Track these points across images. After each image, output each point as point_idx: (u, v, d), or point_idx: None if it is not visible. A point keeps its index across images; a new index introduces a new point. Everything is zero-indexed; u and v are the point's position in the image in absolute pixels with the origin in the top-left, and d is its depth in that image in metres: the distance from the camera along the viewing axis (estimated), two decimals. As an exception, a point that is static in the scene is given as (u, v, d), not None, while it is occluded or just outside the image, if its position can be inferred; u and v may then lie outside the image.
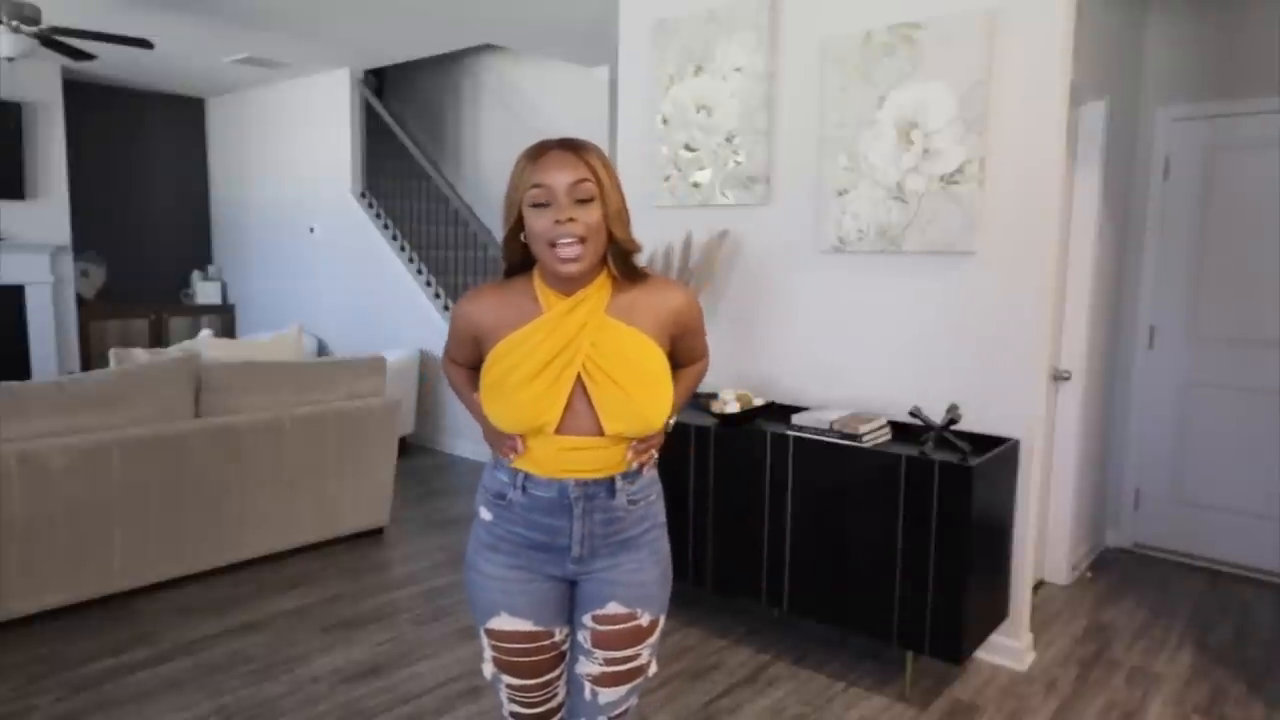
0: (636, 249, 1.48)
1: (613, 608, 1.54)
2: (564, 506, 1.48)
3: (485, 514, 1.56)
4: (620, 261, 1.46)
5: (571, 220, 1.36)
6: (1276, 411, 3.67)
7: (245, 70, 6.58)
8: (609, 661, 1.57)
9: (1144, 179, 3.92)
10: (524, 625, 1.54)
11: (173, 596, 3.34)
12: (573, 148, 1.40)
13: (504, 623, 1.55)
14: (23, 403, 3.04)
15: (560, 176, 1.37)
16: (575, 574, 1.54)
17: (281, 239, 7.24)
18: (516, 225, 1.42)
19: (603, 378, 1.43)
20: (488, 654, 1.61)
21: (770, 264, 3.33)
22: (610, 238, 1.43)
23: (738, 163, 3.34)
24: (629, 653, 1.57)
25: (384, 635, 3.07)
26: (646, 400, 1.45)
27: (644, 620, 1.57)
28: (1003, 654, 2.90)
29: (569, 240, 1.37)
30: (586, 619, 1.56)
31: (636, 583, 1.55)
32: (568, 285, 1.44)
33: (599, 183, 1.39)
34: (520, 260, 1.49)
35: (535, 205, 1.38)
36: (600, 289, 1.46)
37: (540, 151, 1.40)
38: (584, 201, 1.38)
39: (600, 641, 1.56)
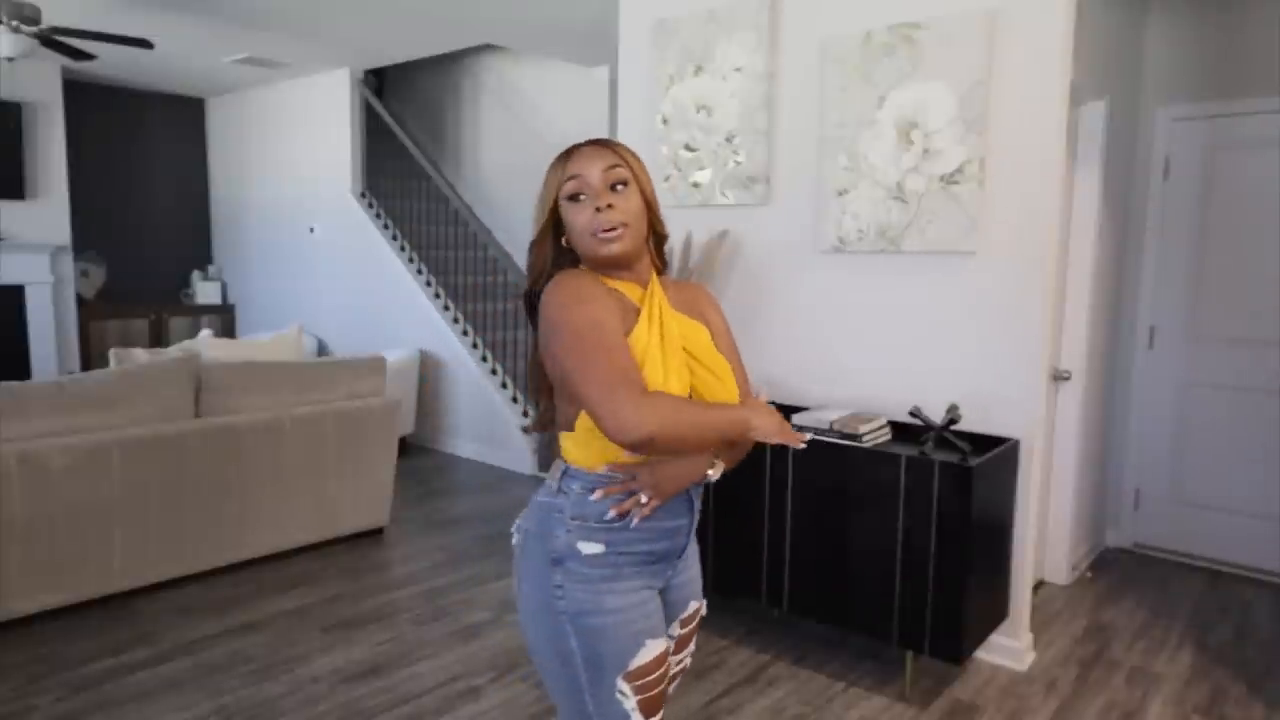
0: (667, 236, 1.48)
1: (692, 606, 1.52)
2: (687, 501, 1.42)
3: (590, 548, 1.35)
4: (659, 252, 1.46)
5: (610, 207, 1.33)
6: (1276, 411, 3.67)
7: (245, 70, 6.58)
8: (677, 664, 1.52)
9: (1144, 179, 3.92)
10: (662, 644, 1.40)
11: (173, 596, 3.34)
12: (601, 142, 1.41)
13: (651, 650, 1.36)
14: (23, 403, 3.03)
15: (594, 164, 1.35)
16: (669, 578, 1.46)
17: (281, 239, 7.24)
18: (547, 227, 1.39)
19: (695, 363, 1.40)
20: (631, 704, 1.35)
21: (770, 264, 3.33)
22: (649, 226, 1.41)
23: (738, 163, 3.34)
24: (691, 648, 1.55)
25: (384, 635, 3.07)
26: (730, 383, 1.42)
27: (704, 610, 1.56)
28: (1003, 654, 2.90)
29: (610, 226, 1.33)
30: (674, 628, 1.48)
31: (698, 574, 1.54)
32: (637, 275, 1.41)
33: (631, 169, 1.37)
34: (551, 263, 1.41)
35: (572, 199, 1.36)
36: (655, 280, 1.44)
37: (571, 150, 1.40)
38: (619, 188, 1.35)
39: (680, 645, 1.51)
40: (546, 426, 1.44)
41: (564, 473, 1.39)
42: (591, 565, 1.35)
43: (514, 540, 1.45)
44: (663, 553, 1.41)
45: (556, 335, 1.29)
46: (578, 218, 1.35)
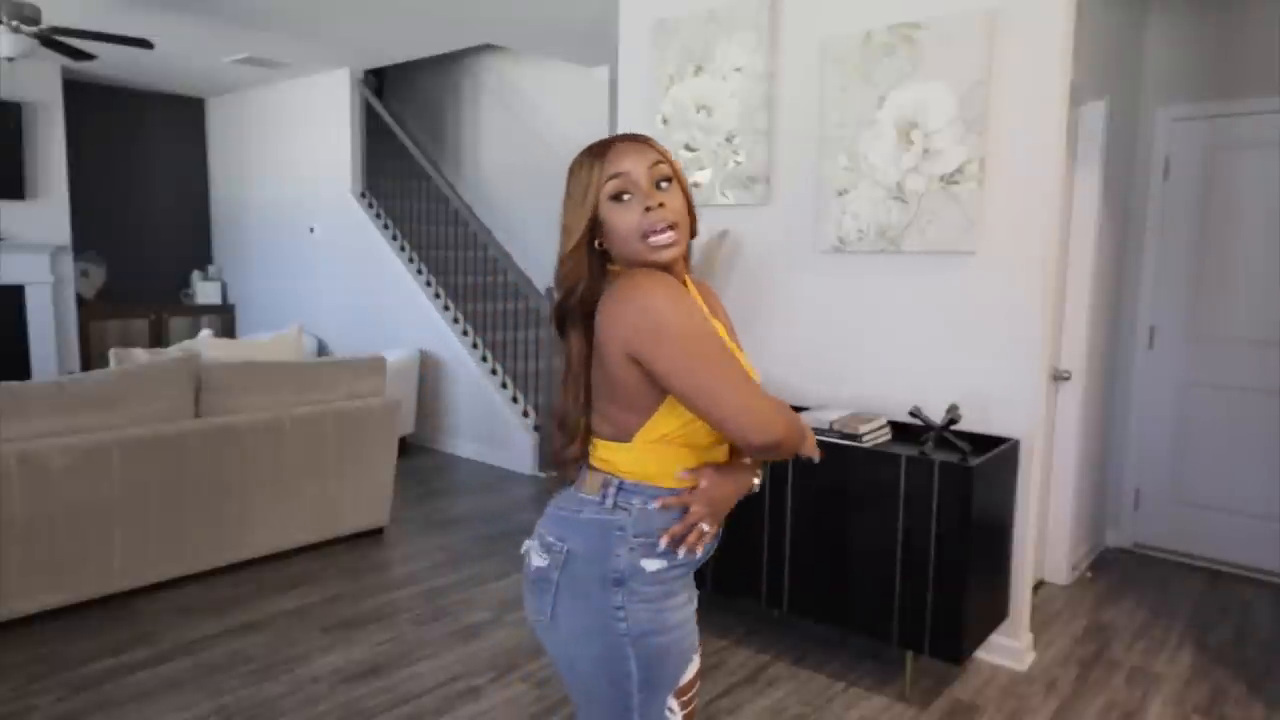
0: (698, 234, 1.39)
1: (695, 601, 1.48)
2: None
3: (654, 564, 1.29)
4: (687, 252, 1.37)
5: (662, 205, 1.24)
6: (1276, 411, 3.67)
7: (245, 70, 6.58)
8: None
9: (1144, 179, 3.92)
10: (697, 659, 1.39)
11: (173, 596, 3.34)
12: (637, 137, 1.32)
13: (695, 664, 1.38)
14: (23, 403, 3.03)
15: (638, 161, 1.26)
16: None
17: (281, 239, 7.24)
18: (586, 232, 1.27)
19: None
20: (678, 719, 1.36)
21: (770, 264, 3.33)
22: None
23: (738, 163, 3.34)
24: None
25: (384, 635, 3.07)
26: (756, 382, 1.35)
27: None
28: (1003, 654, 2.90)
29: (663, 225, 1.24)
30: None
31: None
32: (678, 277, 1.31)
33: (671, 166, 1.29)
34: (588, 276, 1.29)
35: (615, 198, 1.25)
36: (690, 282, 1.38)
37: (604, 146, 1.29)
38: (664, 185, 1.27)
39: None
40: (586, 446, 1.35)
41: (619, 488, 1.30)
42: (653, 582, 1.29)
43: (537, 562, 1.34)
44: (700, 560, 1.39)
45: (664, 341, 1.19)
46: (624, 219, 1.25)
